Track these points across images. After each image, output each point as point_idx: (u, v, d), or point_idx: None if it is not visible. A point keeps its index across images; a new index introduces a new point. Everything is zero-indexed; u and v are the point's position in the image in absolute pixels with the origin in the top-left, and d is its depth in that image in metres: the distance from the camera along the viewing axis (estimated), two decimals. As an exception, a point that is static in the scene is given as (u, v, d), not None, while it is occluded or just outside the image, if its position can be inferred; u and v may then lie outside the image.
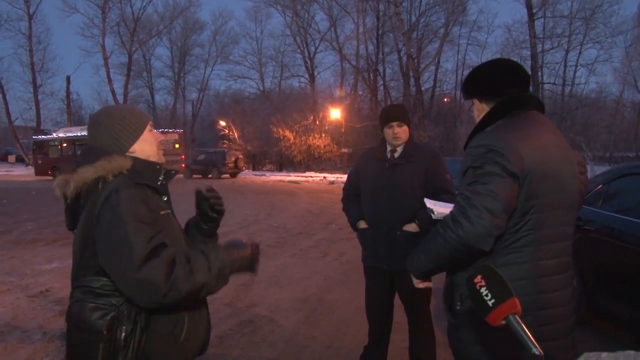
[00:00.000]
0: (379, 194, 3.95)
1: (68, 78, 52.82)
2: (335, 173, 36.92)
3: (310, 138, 40.90)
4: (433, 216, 2.53)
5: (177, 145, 30.80)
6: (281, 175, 35.18)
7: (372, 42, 46.84)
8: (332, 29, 45.95)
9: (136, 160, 2.03)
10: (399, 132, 3.94)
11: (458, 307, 2.23)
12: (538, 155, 2.10)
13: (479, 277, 1.52)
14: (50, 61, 62.98)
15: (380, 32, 45.62)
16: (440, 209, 2.54)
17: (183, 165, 30.72)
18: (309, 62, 50.22)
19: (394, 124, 3.94)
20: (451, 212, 2.10)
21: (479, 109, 2.37)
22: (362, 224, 4.07)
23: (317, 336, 5.17)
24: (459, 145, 37.56)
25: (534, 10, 39.21)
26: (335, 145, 40.56)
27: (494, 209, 1.97)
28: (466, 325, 2.21)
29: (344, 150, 39.57)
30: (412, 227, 3.79)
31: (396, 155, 3.98)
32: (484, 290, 1.50)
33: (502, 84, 2.30)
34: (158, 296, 1.77)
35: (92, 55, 64.06)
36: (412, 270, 2.33)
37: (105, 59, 50.59)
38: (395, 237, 3.86)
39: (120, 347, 1.86)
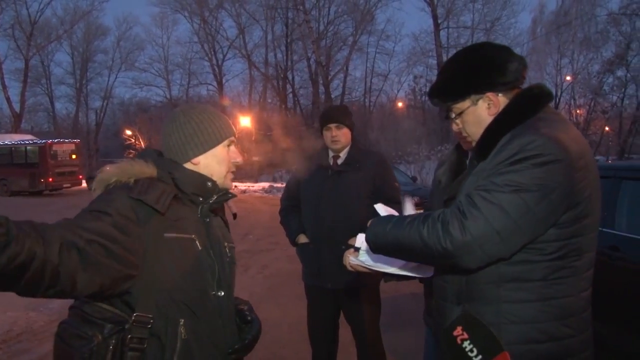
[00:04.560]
0: (321, 205, 3.58)
1: (-44, 83, 49.04)
2: (246, 182, 36.38)
3: (221, 147, 40.21)
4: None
5: (74, 156, 29.13)
6: (191, 185, 34.15)
7: (281, 49, 46.67)
8: (241, 36, 45.35)
9: (184, 170, 1.82)
10: (338, 135, 3.59)
11: None
12: (594, 165, 1.70)
13: (459, 328, 1.26)
14: None
15: (289, 39, 45.51)
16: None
17: (80, 176, 29.14)
18: (217, 69, 49.22)
19: (332, 125, 3.60)
20: (444, 215, 1.57)
21: (494, 106, 1.79)
22: (303, 239, 3.69)
23: (249, 362, 4.68)
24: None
25: (439, 21, 40.53)
26: (245, 154, 40.01)
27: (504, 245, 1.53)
28: None
29: (255, 158, 39.11)
30: (359, 241, 3.43)
31: (339, 161, 3.63)
32: (467, 345, 1.24)
33: (518, 68, 1.81)
34: None
35: (-16, 60, 59.85)
36: (369, 237, 1.82)
37: (-1, 63, 47.39)
38: (339, 253, 3.46)
39: None
